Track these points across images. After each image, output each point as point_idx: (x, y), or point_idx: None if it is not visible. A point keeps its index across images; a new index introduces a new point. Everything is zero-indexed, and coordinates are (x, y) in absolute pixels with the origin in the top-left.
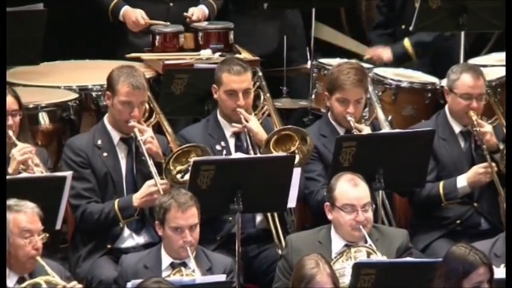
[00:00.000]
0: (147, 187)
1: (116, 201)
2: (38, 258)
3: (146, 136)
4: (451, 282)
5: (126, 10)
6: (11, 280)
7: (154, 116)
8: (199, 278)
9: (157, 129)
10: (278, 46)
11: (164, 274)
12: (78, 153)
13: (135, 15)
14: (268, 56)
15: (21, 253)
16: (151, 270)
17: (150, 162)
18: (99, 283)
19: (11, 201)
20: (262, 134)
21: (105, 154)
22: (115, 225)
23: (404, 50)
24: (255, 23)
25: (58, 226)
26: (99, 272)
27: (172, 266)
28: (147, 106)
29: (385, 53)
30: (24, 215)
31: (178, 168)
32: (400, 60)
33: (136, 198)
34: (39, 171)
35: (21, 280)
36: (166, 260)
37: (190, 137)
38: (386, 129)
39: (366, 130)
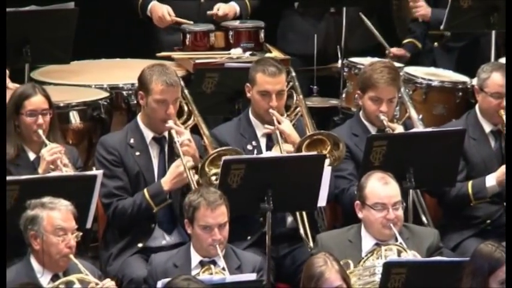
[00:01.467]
0: (175, 167)
1: (146, 190)
2: (71, 256)
3: (183, 138)
4: (478, 280)
5: (154, 5)
6: (45, 278)
7: (192, 118)
8: (229, 276)
9: (192, 130)
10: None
11: (193, 272)
12: (111, 151)
13: (161, 11)
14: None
15: (55, 251)
16: (180, 268)
17: (178, 145)
18: (129, 282)
19: (45, 199)
20: (295, 136)
21: (137, 153)
22: (149, 214)
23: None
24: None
25: (89, 225)
26: (130, 270)
27: (202, 264)
28: (186, 108)
29: (424, 8)
30: (59, 212)
31: (214, 171)
32: (433, 24)
33: (166, 182)
34: (67, 171)
35: (54, 278)
36: (195, 258)
37: (222, 136)
38: (420, 128)
39: (399, 129)
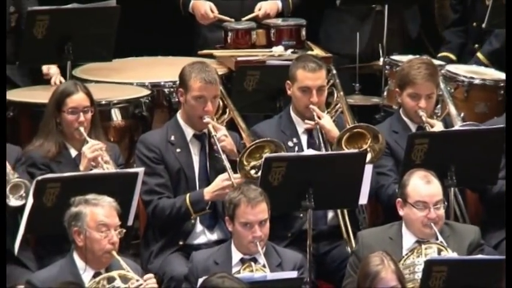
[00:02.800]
0: (220, 181)
1: (188, 196)
2: (114, 253)
3: (220, 134)
4: None
5: (196, 2)
6: (87, 275)
7: (227, 112)
8: (270, 274)
9: (231, 126)
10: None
11: (234, 270)
12: (152, 149)
13: (204, 8)
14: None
15: (97, 247)
16: (221, 266)
17: (224, 157)
18: (170, 279)
19: (89, 196)
20: (335, 132)
21: (178, 150)
22: (187, 220)
23: (480, 63)
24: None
25: (130, 222)
26: (171, 268)
27: (242, 261)
28: (221, 103)
29: None
30: (102, 209)
31: (252, 163)
32: None
33: (208, 192)
34: (108, 168)
35: (97, 275)
36: (236, 255)
37: (263, 133)
38: (458, 124)
39: (438, 125)
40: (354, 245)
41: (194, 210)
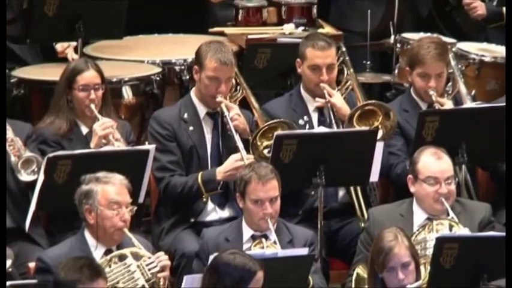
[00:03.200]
0: (233, 161)
1: (200, 174)
2: (126, 230)
3: (233, 113)
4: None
5: None
6: (98, 252)
7: (240, 91)
8: (281, 251)
9: (243, 104)
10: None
11: (245, 246)
12: (164, 126)
13: None
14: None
15: (109, 225)
16: (232, 242)
17: (237, 137)
18: (181, 256)
19: (100, 174)
20: (346, 109)
21: (191, 128)
22: (198, 198)
23: (499, 9)
24: None
25: (141, 199)
26: (182, 245)
27: (253, 238)
28: (234, 81)
29: (481, 7)
30: (113, 186)
31: (265, 143)
32: (491, 20)
33: (220, 172)
34: (119, 146)
35: (108, 252)
36: (247, 232)
37: (273, 111)
38: (468, 103)
39: (448, 104)
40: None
41: (206, 189)
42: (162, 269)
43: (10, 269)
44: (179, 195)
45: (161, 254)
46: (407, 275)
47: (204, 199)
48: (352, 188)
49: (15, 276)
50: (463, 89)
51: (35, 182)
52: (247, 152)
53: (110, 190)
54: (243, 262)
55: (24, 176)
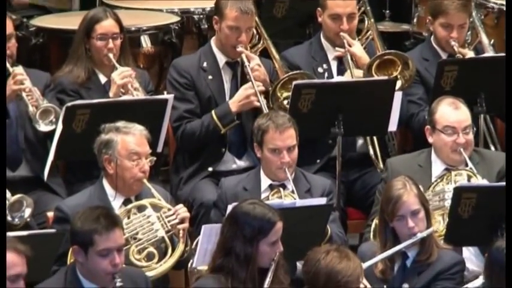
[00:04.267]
0: (244, 90)
1: (213, 112)
2: (145, 181)
3: (253, 64)
4: None
5: None
6: (117, 202)
7: (261, 41)
8: (299, 201)
9: (263, 54)
10: None
11: (263, 196)
12: (183, 74)
13: None
14: None
15: (128, 175)
16: (250, 192)
17: (256, 86)
18: (200, 206)
19: (119, 123)
20: (365, 59)
21: (210, 77)
22: (217, 136)
23: None
24: None
25: (159, 149)
26: (200, 194)
27: (271, 187)
28: (255, 31)
29: None
30: (133, 137)
31: (285, 94)
32: None
33: (234, 102)
34: (138, 95)
35: (127, 202)
36: (265, 181)
37: (293, 58)
38: (490, 53)
39: (470, 55)
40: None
41: (223, 124)
42: (182, 221)
43: (29, 219)
44: (197, 139)
45: (181, 206)
46: (418, 223)
47: (223, 149)
48: (369, 138)
49: (33, 226)
50: (484, 39)
51: (53, 131)
52: (267, 102)
53: (130, 141)
54: (262, 212)
55: (42, 126)
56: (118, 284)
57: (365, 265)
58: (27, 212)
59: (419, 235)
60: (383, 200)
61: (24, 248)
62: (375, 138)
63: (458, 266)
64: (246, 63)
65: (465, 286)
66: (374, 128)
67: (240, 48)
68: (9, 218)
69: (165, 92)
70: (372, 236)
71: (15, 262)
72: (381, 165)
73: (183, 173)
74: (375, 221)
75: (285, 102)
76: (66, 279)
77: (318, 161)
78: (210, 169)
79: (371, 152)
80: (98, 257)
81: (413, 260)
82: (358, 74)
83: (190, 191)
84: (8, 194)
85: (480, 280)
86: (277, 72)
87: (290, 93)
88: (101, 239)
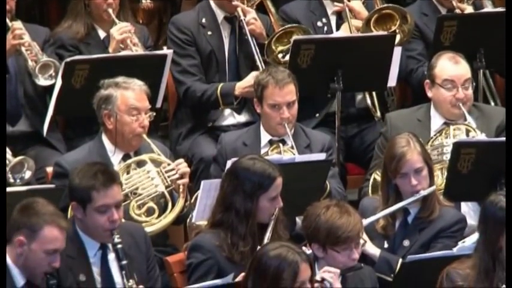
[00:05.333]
0: (252, 78)
1: (220, 86)
2: (144, 136)
3: (249, 17)
4: None
5: None
6: (116, 157)
7: None
8: (298, 156)
9: (260, 9)
10: None
11: (263, 151)
12: (183, 31)
13: None
14: None
15: (128, 130)
16: (249, 147)
17: (253, 43)
18: (199, 161)
19: (119, 79)
20: (364, 13)
21: (209, 33)
22: (215, 108)
23: None
24: None
25: (159, 104)
26: (200, 149)
27: (271, 142)
28: None
29: None
30: (133, 92)
31: (280, 48)
32: None
33: (239, 87)
34: (137, 50)
35: (126, 157)
36: (264, 137)
37: (292, 13)
38: (489, 8)
39: (469, 10)
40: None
41: (223, 102)
42: (182, 176)
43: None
44: (198, 101)
45: (181, 161)
46: (420, 181)
47: (220, 109)
48: (368, 93)
49: (32, 181)
50: None
51: (52, 86)
52: (263, 56)
53: (129, 96)
54: (262, 168)
55: (42, 81)
56: (116, 240)
57: (367, 221)
58: (28, 173)
59: (422, 193)
60: (386, 156)
61: (66, 224)
62: (374, 93)
63: (460, 224)
64: (242, 17)
65: (462, 241)
66: (373, 83)
67: (235, 2)
68: (10, 178)
69: (165, 48)
70: (370, 191)
71: (56, 237)
72: (379, 114)
73: (182, 128)
74: (373, 176)
75: (280, 55)
76: None
77: (317, 115)
78: (210, 124)
79: (369, 102)
80: (96, 214)
81: (414, 216)
82: (356, 24)
83: (190, 146)
84: (9, 154)
85: (476, 235)
86: (273, 27)
87: (285, 47)
88: (98, 195)
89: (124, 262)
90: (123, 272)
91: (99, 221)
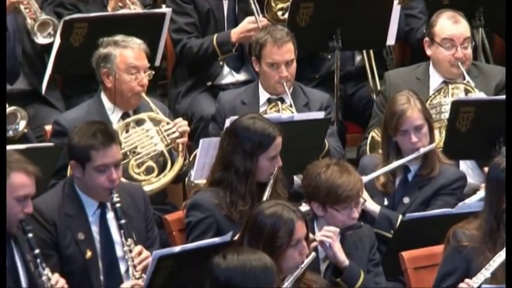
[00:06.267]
0: (247, 23)
1: (215, 37)
2: (143, 94)
3: None
4: None
5: None
6: (115, 115)
7: None
8: (297, 115)
9: None
10: None
11: (261, 109)
12: None
13: None
14: None
15: (127, 89)
16: (248, 105)
17: (253, 1)
18: (199, 119)
19: (118, 37)
20: None
21: None
22: (214, 60)
23: None
24: None
25: (157, 63)
26: (200, 108)
27: (269, 101)
28: None
29: None
30: (131, 51)
31: (280, 5)
32: None
33: (235, 33)
34: (136, 9)
35: (125, 116)
36: (263, 95)
37: None
38: None
39: None
40: (378, 85)
41: (221, 51)
42: (181, 135)
43: (26, 130)
44: (195, 57)
45: (180, 119)
46: (421, 138)
47: (220, 62)
48: (365, 52)
49: (31, 139)
50: None
51: (51, 45)
52: (262, 13)
53: (128, 54)
54: (262, 127)
55: (40, 39)
56: (115, 199)
57: (367, 178)
58: (22, 124)
59: (422, 150)
60: (386, 114)
61: (34, 169)
62: (371, 52)
63: (460, 182)
64: None
65: (463, 202)
66: (372, 41)
67: None
68: None
69: (163, 6)
70: (368, 149)
71: (24, 183)
72: (377, 80)
73: (181, 87)
74: (372, 134)
75: (280, 13)
76: (64, 192)
77: (317, 76)
78: (209, 83)
79: (367, 66)
80: (95, 173)
81: (415, 174)
82: None
83: (189, 104)
84: None
85: (478, 195)
86: None
87: (285, 4)
88: (97, 154)
89: (123, 221)
90: (122, 231)
91: (98, 180)
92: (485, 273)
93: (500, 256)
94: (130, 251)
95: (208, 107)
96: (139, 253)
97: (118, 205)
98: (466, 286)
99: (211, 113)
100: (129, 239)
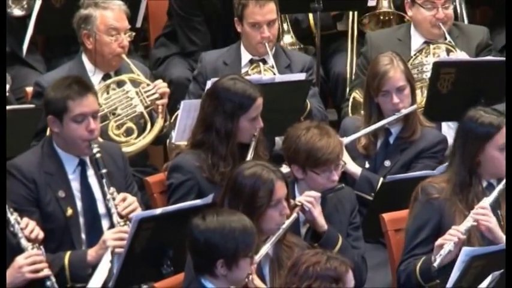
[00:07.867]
0: None
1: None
2: (124, 56)
3: None
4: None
5: None
6: (96, 77)
7: None
8: (278, 76)
9: None
10: None
11: (243, 70)
12: None
13: None
14: None
15: (107, 50)
16: (230, 66)
17: None
18: (168, 83)
19: None
20: None
21: None
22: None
23: None
24: None
25: (139, 24)
26: (170, 72)
27: (251, 62)
28: None
29: None
30: (112, 12)
31: None
32: None
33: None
34: None
35: (106, 77)
36: (245, 56)
37: None
38: None
39: None
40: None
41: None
42: (161, 96)
43: (8, 94)
44: None
45: (160, 81)
46: (403, 99)
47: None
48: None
49: (12, 101)
50: None
51: (25, 16)
52: None
53: (108, 16)
54: (243, 88)
55: (15, 11)
56: (95, 150)
57: (348, 139)
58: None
59: (404, 111)
60: (369, 74)
61: None
62: (354, 14)
63: (441, 145)
64: None
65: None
66: (353, 2)
67: None
68: None
69: None
70: (350, 111)
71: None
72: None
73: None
74: (353, 95)
75: None
76: (42, 151)
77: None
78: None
79: (350, 28)
80: (73, 124)
81: (396, 136)
82: None
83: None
84: None
85: None
86: None
87: None
88: (74, 104)
89: (104, 171)
90: (104, 180)
91: (77, 132)
92: (470, 220)
93: (484, 201)
94: (114, 199)
95: (177, 71)
96: (124, 199)
97: (98, 155)
98: (455, 232)
99: (180, 76)
100: (111, 187)
